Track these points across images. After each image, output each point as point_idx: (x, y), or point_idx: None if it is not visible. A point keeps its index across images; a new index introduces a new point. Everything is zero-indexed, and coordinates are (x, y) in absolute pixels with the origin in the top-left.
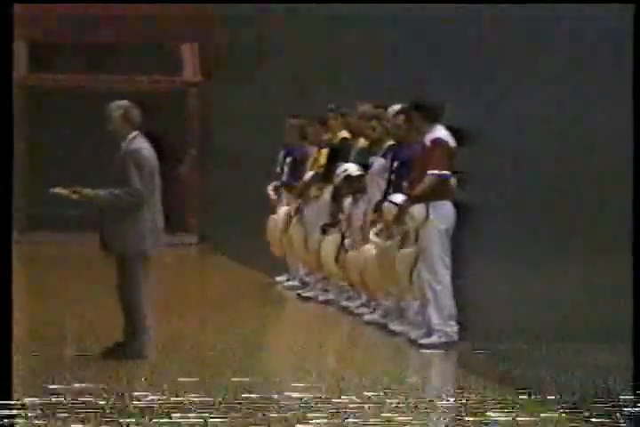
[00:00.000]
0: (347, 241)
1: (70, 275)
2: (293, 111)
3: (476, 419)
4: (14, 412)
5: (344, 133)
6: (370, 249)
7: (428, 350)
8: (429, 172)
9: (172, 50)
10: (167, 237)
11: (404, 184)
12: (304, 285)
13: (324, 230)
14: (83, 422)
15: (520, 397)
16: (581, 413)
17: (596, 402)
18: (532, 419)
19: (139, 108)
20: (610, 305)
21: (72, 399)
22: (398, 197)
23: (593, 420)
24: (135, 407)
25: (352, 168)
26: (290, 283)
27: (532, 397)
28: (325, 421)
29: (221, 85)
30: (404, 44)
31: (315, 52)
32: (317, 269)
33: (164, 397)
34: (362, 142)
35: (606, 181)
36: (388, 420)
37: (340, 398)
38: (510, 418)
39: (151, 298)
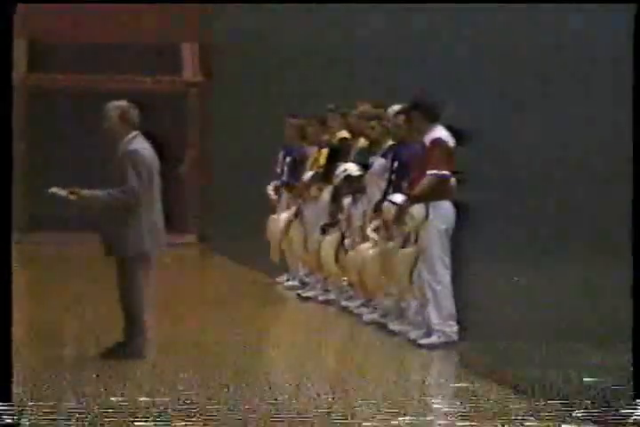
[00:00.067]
0: (347, 241)
1: (70, 275)
2: (293, 111)
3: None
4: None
5: (344, 133)
6: (367, 248)
7: (427, 350)
8: (429, 172)
9: (172, 50)
10: (167, 237)
11: (404, 184)
12: (304, 285)
13: (324, 230)
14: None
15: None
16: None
17: (595, 402)
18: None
19: (137, 108)
20: (610, 305)
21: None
22: (398, 197)
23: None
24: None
25: (352, 168)
26: (290, 283)
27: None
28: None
29: (221, 85)
30: (405, 44)
31: (315, 51)
32: (317, 269)
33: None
34: (362, 142)
35: (606, 181)
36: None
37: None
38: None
39: (151, 298)
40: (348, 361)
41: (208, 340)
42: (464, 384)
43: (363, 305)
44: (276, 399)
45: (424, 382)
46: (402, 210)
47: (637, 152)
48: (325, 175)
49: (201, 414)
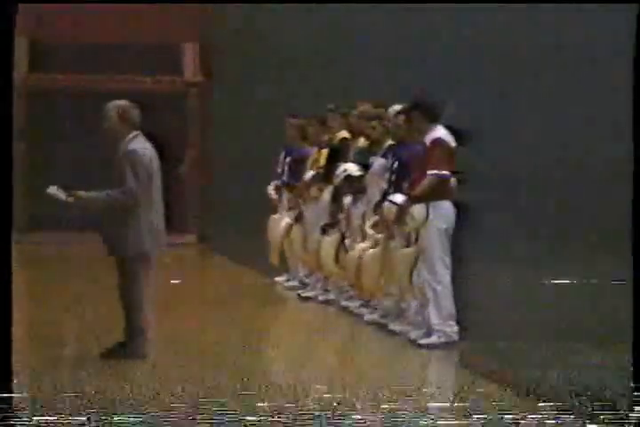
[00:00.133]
0: (347, 241)
1: (70, 275)
2: (293, 111)
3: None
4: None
5: (344, 133)
6: (365, 247)
7: (427, 350)
8: (429, 172)
9: (172, 50)
10: (167, 237)
11: (404, 184)
12: (304, 285)
13: (324, 230)
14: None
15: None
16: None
17: (594, 403)
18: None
19: (138, 108)
20: (610, 305)
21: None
22: (398, 197)
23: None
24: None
25: (352, 168)
26: (290, 283)
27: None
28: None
29: (221, 85)
30: (405, 44)
31: (315, 51)
32: (317, 270)
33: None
34: (362, 142)
35: (606, 181)
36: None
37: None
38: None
39: (151, 298)
40: (348, 361)
41: (208, 340)
42: (464, 384)
43: (363, 305)
44: (275, 400)
45: (424, 382)
46: (402, 210)
47: (637, 152)
48: (326, 175)
49: (201, 414)
